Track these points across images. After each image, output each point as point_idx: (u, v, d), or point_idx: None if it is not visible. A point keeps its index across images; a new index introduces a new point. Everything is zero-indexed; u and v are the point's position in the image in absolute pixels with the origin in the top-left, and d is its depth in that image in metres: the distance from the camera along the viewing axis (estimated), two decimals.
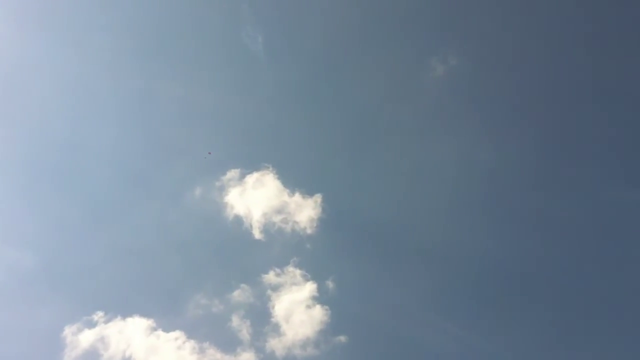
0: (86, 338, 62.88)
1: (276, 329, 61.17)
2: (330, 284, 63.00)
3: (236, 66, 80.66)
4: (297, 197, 69.38)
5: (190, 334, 62.07)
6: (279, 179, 70.88)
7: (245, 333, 61.62)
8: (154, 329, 63.02)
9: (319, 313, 61.06)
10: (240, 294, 64.12)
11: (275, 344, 60.24)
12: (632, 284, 58.43)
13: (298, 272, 64.46)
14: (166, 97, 79.32)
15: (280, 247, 67.37)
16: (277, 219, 68.43)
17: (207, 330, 62.62)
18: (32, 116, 77.84)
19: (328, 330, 60.08)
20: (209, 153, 71.78)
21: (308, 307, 61.72)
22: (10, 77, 78.44)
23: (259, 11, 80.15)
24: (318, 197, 68.50)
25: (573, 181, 65.24)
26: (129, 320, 63.83)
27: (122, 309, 64.35)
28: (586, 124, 67.78)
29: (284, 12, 79.76)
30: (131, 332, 63.00)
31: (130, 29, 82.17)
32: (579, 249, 61.77)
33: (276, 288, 63.83)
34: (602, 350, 56.59)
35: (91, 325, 63.78)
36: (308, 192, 69.23)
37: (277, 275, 64.57)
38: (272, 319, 61.96)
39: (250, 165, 72.26)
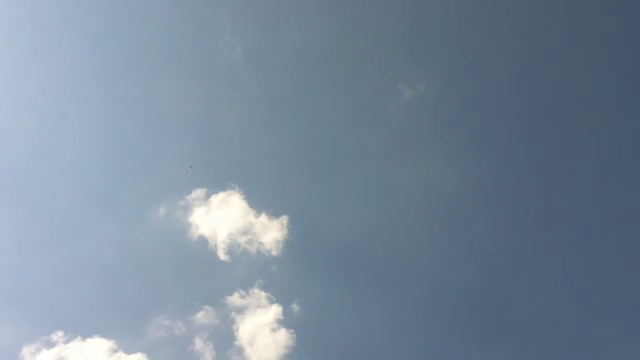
0: (45, 358, 61.70)
1: (240, 353, 60.96)
2: (295, 307, 63.02)
3: (212, 77, 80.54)
4: (263, 218, 69.44)
5: (152, 356, 61.41)
6: (245, 199, 70.90)
7: (208, 356, 61.22)
8: (115, 351, 62.11)
9: (283, 337, 61.03)
10: (203, 316, 63.66)
11: None
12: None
13: (263, 294, 64.38)
14: (135, 108, 79.39)
15: (245, 268, 67.21)
16: (242, 240, 68.29)
17: (169, 352, 62.06)
18: None
19: (293, 355, 60.19)
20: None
21: (273, 330, 61.62)
22: None
23: (237, 20, 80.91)
24: (284, 219, 68.62)
25: (535, 207, 66.38)
26: (89, 340, 62.81)
27: (82, 329, 63.28)
28: (551, 150, 69.09)
29: (260, 26, 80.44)
30: (91, 353, 61.91)
31: (102, 35, 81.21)
32: (540, 272, 62.73)
33: (240, 310, 63.60)
34: None
35: (50, 345, 62.68)
36: (274, 213, 69.32)
37: (242, 297, 64.30)
38: (236, 342, 61.76)
39: (216, 184, 72.14)
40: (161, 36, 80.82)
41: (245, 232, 68.54)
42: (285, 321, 62.10)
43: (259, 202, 70.35)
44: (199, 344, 61.79)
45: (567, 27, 73.55)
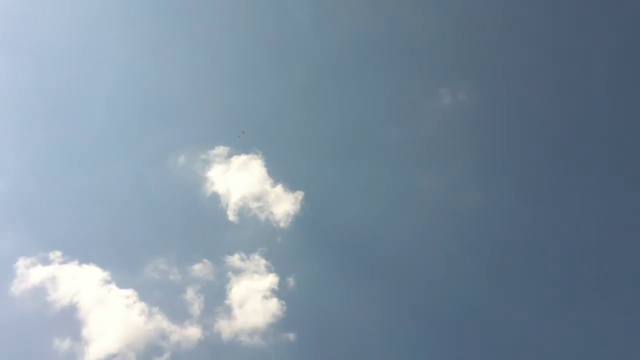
0: (38, 274, 62.49)
1: (228, 312, 61.07)
2: (291, 281, 63.16)
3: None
4: (279, 189, 69.70)
5: (143, 295, 61.74)
6: (265, 166, 71.32)
7: (196, 308, 61.46)
8: (108, 282, 62.64)
9: (274, 306, 61.13)
10: (200, 269, 63.99)
11: (223, 326, 60.08)
12: None
13: (263, 262, 64.59)
14: (183, 53, 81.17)
15: (251, 233, 67.48)
16: (254, 205, 68.60)
17: (159, 295, 62.29)
18: (40, 50, 78.37)
19: (279, 325, 60.18)
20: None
21: (265, 297, 61.77)
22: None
23: None
24: (299, 194, 68.87)
25: (555, 237, 65.74)
26: (85, 266, 63.45)
27: (80, 254, 64.01)
28: (583, 185, 68.33)
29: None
30: (84, 279, 62.46)
31: None
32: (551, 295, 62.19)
33: (237, 272, 63.85)
34: None
35: (46, 262, 63.47)
36: (291, 187, 69.63)
37: (242, 260, 64.57)
38: (226, 301, 61.86)
39: (240, 146, 72.62)
40: None
41: (258, 199, 68.97)
42: (279, 292, 62.41)
43: (278, 172, 70.94)
44: (190, 294, 62.18)
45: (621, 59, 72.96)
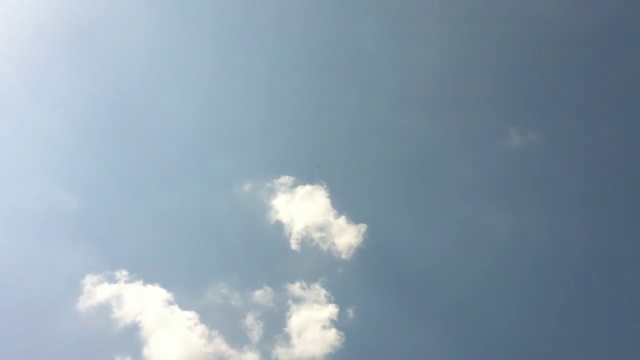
0: (104, 291, 63.90)
1: (287, 340, 61.20)
2: (350, 313, 62.92)
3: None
4: (342, 220, 69.88)
5: (204, 318, 62.56)
6: (329, 197, 71.71)
7: (255, 334, 61.76)
8: (171, 303, 63.66)
9: (332, 337, 60.92)
10: (261, 295, 64.46)
11: (281, 354, 60.12)
12: None
13: (323, 291, 64.64)
14: (256, 80, 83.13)
15: (313, 263, 67.70)
16: (317, 235, 68.95)
17: (220, 319, 62.91)
18: (118, 69, 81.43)
19: (337, 356, 59.93)
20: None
21: (324, 327, 61.62)
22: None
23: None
24: (362, 227, 68.84)
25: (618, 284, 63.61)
26: (150, 287, 64.65)
27: (146, 275, 65.34)
28: None
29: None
30: (148, 299, 63.68)
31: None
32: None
33: (298, 300, 64.03)
34: None
35: (112, 280, 64.88)
36: (354, 219, 69.72)
37: (302, 288, 64.77)
38: (285, 329, 62.01)
39: (305, 176, 73.33)
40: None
41: (321, 229, 69.30)
42: (338, 323, 62.21)
43: (342, 204, 71.23)
44: (250, 320, 62.61)
45: None
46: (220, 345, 60.56)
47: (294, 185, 72.75)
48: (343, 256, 67.31)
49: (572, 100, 75.92)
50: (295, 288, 64.78)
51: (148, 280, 64.89)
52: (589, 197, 69.48)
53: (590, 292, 63.63)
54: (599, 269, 64.68)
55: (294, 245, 68.24)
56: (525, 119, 75.47)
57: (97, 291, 63.77)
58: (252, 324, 62.19)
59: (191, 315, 62.48)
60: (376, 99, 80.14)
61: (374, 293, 65.22)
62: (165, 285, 64.54)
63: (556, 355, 59.66)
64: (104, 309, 62.70)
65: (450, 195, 72.38)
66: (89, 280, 64.50)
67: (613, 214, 67.67)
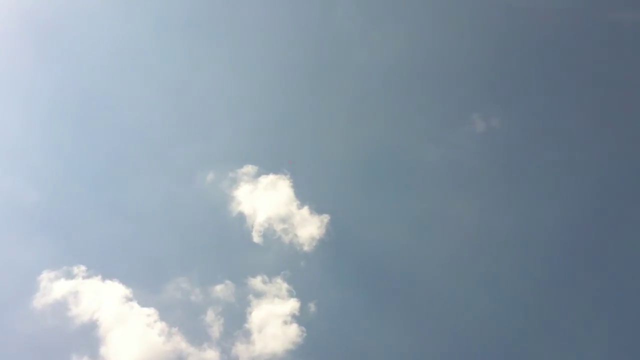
0: (61, 288, 62.30)
1: (247, 336, 60.30)
2: (312, 307, 62.09)
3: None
4: (305, 211, 68.76)
5: (163, 315, 61.35)
6: (292, 187, 70.52)
7: (215, 330, 60.78)
8: (129, 299, 62.36)
9: (294, 332, 60.13)
10: (222, 290, 63.33)
11: (241, 350, 59.31)
12: None
13: (285, 285, 63.70)
14: (217, 66, 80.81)
15: (275, 256, 66.55)
16: (279, 227, 67.83)
17: (180, 316, 61.76)
18: (72, 57, 78.97)
19: (298, 352, 59.17)
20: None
21: (285, 323, 60.86)
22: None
23: None
24: (325, 218, 67.83)
25: (592, 265, 63.63)
26: (108, 282, 63.25)
27: (104, 270, 63.77)
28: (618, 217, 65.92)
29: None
30: (107, 295, 62.34)
31: None
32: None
33: (259, 295, 63.07)
34: None
35: (70, 276, 63.29)
36: (317, 209, 68.60)
37: (264, 282, 63.79)
38: (246, 325, 61.07)
39: (269, 166, 72.09)
40: None
41: (284, 220, 68.20)
42: (300, 318, 61.40)
43: (305, 194, 69.91)
44: (210, 315, 61.59)
45: None
46: (180, 342, 59.64)
47: (257, 175, 71.55)
48: (305, 248, 66.52)
49: (537, 86, 75.31)
50: (257, 282, 63.82)
51: (107, 275, 63.59)
52: (554, 184, 69.18)
53: (555, 279, 63.22)
54: (564, 255, 64.34)
55: (256, 237, 67.23)
56: (489, 104, 74.62)
57: (54, 288, 62.39)
58: (213, 320, 61.24)
59: (150, 312, 61.36)
60: (339, 89, 78.66)
61: (336, 286, 64.44)
62: (124, 281, 63.33)
63: (522, 340, 59.52)
64: (61, 306, 61.31)
65: (414, 183, 71.69)
66: (45, 276, 63.01)
67: (577, 201, 67.11)
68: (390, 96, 77.49)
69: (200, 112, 77.96)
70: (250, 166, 71.88)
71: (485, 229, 67.47)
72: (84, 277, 63.43)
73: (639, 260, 62.50)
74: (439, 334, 60.77)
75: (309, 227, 67.50)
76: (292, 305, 62.08)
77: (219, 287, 63.45)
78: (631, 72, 72.63)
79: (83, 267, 63.90)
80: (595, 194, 67.01)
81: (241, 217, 68.84)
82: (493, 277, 64.13)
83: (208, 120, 77.33)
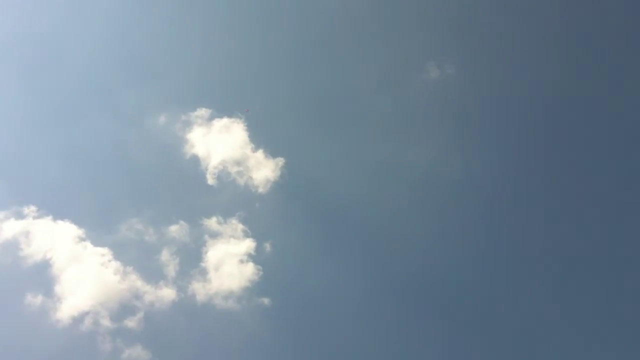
0: (11, 228, 61.48)
1: (203, 274, 60.73)
2: (268, 246, 62.85)
3: None
4: (260, 154, 69.17)
5: (117, 254, 61.08)
6: (247, 131, 70.62)
7: (171, 269, 60.95)
8: (82, 239, 61.85)
9: (250, 271, 60.89)
10: (176, 230, 63.42)
11: (198, 288, 59.73)
12: None
13: (240, 226, 64.20)
14: (167, 5, 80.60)
15: (229, 198, 66.77)
16: (233, 169, 68.07)
17: (134, 255, 61.55)
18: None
19: (254, 290, 59.94)
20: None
21: (241, 262, 61.47)
22: None
23: None
24: (280, 161, 68.41)
25: (539, 210, 65.58)
26: (60, 222, 62.56)
27: (55, 210, 63.14)
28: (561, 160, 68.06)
29: None
30: (59, 235, 61.70)
31: None
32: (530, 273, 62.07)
33: (214, 235, 63.44)
34: None
35: (20, 217, 62.50)
36: (272, 153, 69.09)
37: (219, 223, 64.12)
38: (202, 264, 61.44)
39: (222, 108, 71.90)
40: None
41: (238, 163, 68.43)
42: (255, 257, 62.09)
43: (260, 137, 70.28)
44: (165, 255, 61.67)
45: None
46: (135, 281, 59.65)
47: (211, 117, 71.27)
48: (260, 190, 67.01)
49: (492, 34, 76.34)
50: (212, 223, 64.11)
51: (58, 216, 62.87)
52: (506, 133, 70.76)
53: (503, 228, 65.30)
54: (513, 204, 66.25)
55: (210, 180, 67.33)
56: (443, 52, 75.62)
57: (4, 228, 61.45)
58: (168, 260, 61.38)
59: (104, 252, 61.01)
60: (292, 32, 78.79)
61: (291, 227, 65.46)
62: (77, 222, 62.72)
63: (473, 282, 61.29)
64: (12, 246, 60.51)
65: (368, 128, 72.49)
66: None
67: (528, 151, 69.23)
68: (346, 41, 77.74)
69: (151, 54, 77.09)
70: (203, 109, 71.64)
71: (436, 174, 68.66)
72: (34, 217, 62.69)
73: (581, 197, 65.63)
74: (389, 272, 62.21)
75: (264, 170, 68.02)
76: (247, 245, 62.82)
77: (173, 228, 63.55)
78: (583, 13, 74.98)
79: (33, 207, 63.12)
80: (544, 140, 69.51)
81: (195, 159, 68.85)
82: (443, 221, 65.78)
83: (159, 62, 76.43)
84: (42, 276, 59.07)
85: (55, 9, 78.17)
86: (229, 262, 61.33)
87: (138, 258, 61.49)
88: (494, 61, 74.97)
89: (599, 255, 61.77)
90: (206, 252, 62.14)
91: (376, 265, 62.76)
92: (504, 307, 59.50)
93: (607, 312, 58.69)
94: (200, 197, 67.10)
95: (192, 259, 61.73)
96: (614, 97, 70.12)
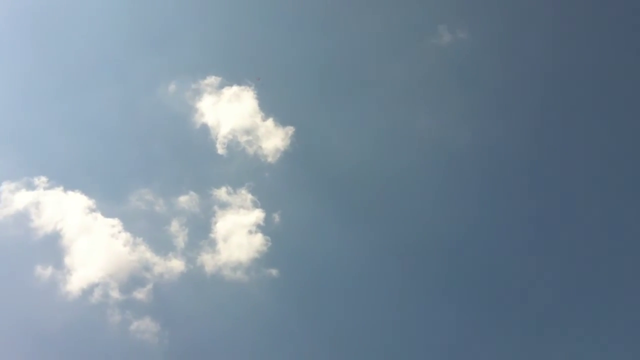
0: (22, 199, 61.81)
1: (212, 245, 60.78)
2: (277, 217, 62.62)
3: None
4: (270, 123, 68.49)
5: (127, 225, 61.27)
6: (257, 99, 69.75)
7: (180, 240, 61.03)
8: (93, 210, 62.12)
9: (259, 241, 60.77)
10: (186, 201, 63.44)
11: (207, 260, 59.82)
12: None
13: (250, 196, 63.94)
14: None
15: (239, 167, 66.48)
16: (243, 139, 67.52)
17: (144, 226, 61.86)
18: None
19: (262, 260, 59.88)
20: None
21: (250, 232, 61.40)
22: None
23: None
24: (290, 130, 67.76)
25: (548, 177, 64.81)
26: (70, 193, 62.80)
27: (66, 181, 63.35)
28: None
29: None
30: (69, 206, 61.91)
31: None
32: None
33: (224, 206, 63.31)
34: None
35: (31, 187, 62.76)
36: (282, 121, 68.38)
37: (229, 193, 63.98)
38: (211, 235, 61.45)
39: (232, 77, 71.03)
40: None
41: (248, 132, 67.87)
42: (265, 227, 61.89)
43: (269, 106, 69.47)
44: (174, 226, 61.75)
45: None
46: (145, 252, 59.84)
47: (221, 86, 70.58)
48: (270, 160, 66.63)
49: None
50: (221, 193, 63.96)
51: (68, 187, 63.08)
52: (518, 100, 69.31)
53: (511, 193, 64.48)
54: (521, 170, 65.61)
55: (220, 149, 66.90)
56: (455, 15, 73.75)
57: (15, 199, 61.77)
58: (177, 231, 61.45)
59: (114, 223, 61.22)
60: None
61: (300, 197, 65.01)
62: (87, 192, 62.89)
63: (483, 249, 60.97)
64: (23, 217, 60.88)
65: (378, 95, 71.00)
66: (5, 187, 62.43)
67: (542, 117, 67.89)
68: (357, 7, 76.31)
69: (160, 22, 76.29)
70: (213, 77, 70.92)
71: (447, 141, 67.47)
72: (45, 188, 62.90)
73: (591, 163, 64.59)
74: (399, 243, 61.69)
75: (274, 139, 67.47)
76: (257, 215, 62.59)
77: (183, 198, 63.53)
78: None
79: (44, 178, 63.34)
80: (557, 106, 67.97)
81: (205, 128, 68.38)
82: (453, 188, 64.96)
83: (168, 31, 75.36)
84: (52, 248, 59.43)
85: None
86: (238, 233, 61.32)
87: (148, 229, 61.77)
88: (507, 25, 73.15)
89: (605, 219, 61.20)
90: (215, 223, 62.14)
91: (386, 236, 62.32)
92: (512, 272, 59.32)
93: (607, 269, 58.69)
94: (210, 167, 67.19)
95: (201, 230, 61.82)
96: (631, 63, 68.28)
